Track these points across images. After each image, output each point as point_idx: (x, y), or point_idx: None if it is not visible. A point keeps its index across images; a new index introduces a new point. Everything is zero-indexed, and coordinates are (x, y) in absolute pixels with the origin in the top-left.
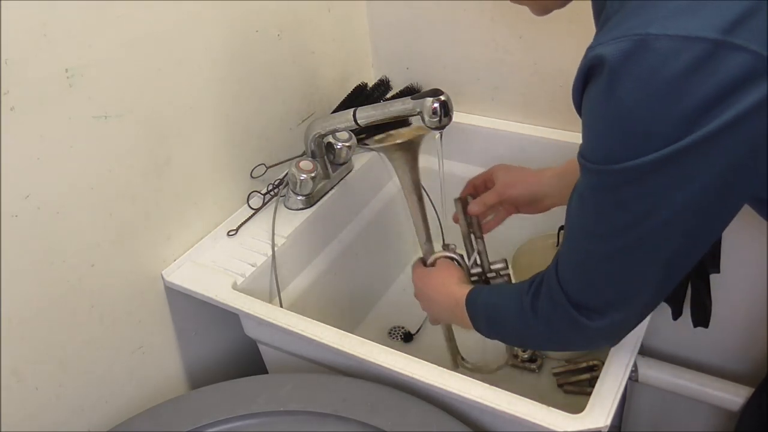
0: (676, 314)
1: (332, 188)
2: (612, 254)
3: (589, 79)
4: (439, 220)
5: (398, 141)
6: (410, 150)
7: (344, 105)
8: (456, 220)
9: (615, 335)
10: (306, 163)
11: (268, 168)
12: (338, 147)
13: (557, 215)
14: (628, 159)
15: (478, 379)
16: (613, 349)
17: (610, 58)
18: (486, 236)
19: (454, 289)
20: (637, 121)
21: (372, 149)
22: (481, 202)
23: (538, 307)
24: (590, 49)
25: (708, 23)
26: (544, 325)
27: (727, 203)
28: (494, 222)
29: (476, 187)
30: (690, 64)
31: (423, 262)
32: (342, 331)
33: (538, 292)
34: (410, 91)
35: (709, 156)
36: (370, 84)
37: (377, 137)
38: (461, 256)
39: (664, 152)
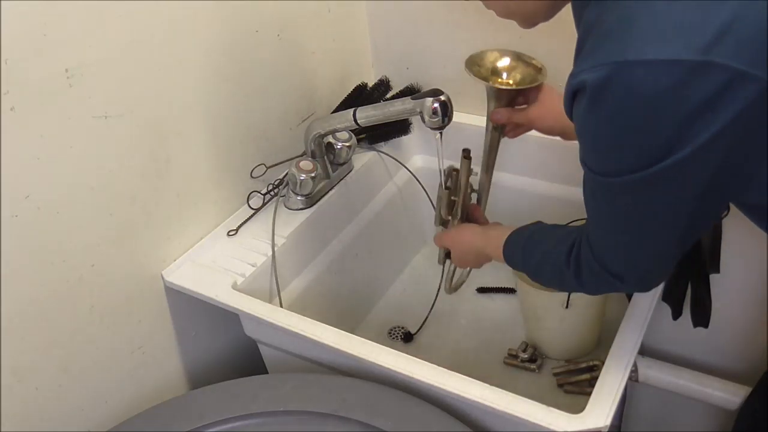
0: (676, 314)
1: (332, 188)
2: (626, 242)
3: (574, 102)
4: None
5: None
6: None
7: (344, 105)
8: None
9: (650, 288)
10: (306, 163)
11: (268, 168)
12: (338, 147)
13: (557, 215)
14: (622, 174)
15: (477, 379)
16: (613, 348)
17: (591, 86)
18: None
19: (486, 252)
20: (620, 142)
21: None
22: (507, 116)
23: (582, 281)
24: (572, 75)
25: (687, 44)
26: (591, 289)
27: (724, 187)
28: (514, 133)
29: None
30: (670, 87)
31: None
32: (342, 331)
33: (579, 269)
34: (410, 91)
35: (695, 168)
36: (370, 84)
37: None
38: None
39: (655, 169)
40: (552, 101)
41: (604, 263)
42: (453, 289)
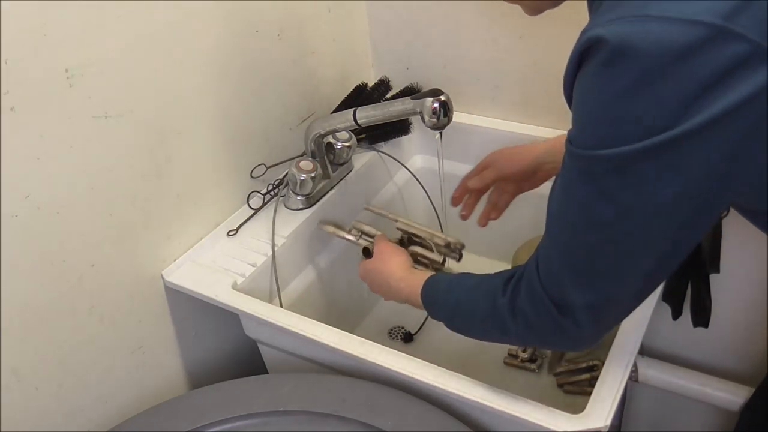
0: (676, 314)
1: (332, 188)
2: (594, 249)
3: (582, 61)
4: (439, 219)
5: None
6: None
7: (344, 105)
8: (457, 202)
9: (596, 336)
10: (306, 163)
11: (268, 168)
12: (338, 147)
13: None
14: (618, 144)
15: (477, 380)
16: (613, 349)
17: (610, 39)
18: (486, 235)
19: (400, 286)
20: (630, 106)
21: None
22: (480, 179)
23: (517, 308)
24: (585, 32)
25: (708, 8)
26: (524, 328)
27: (716, 200)
28: (499, 209)
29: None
30: (688, 48)
31: (367, 251)
32: (342, 331)
33: (516, 293)
34: (410, 91)
35: (701, 145)
36: (370, 84)
37: None
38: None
39: (655, 140)
40: (508, 148)
41: (548, 287)
42: None
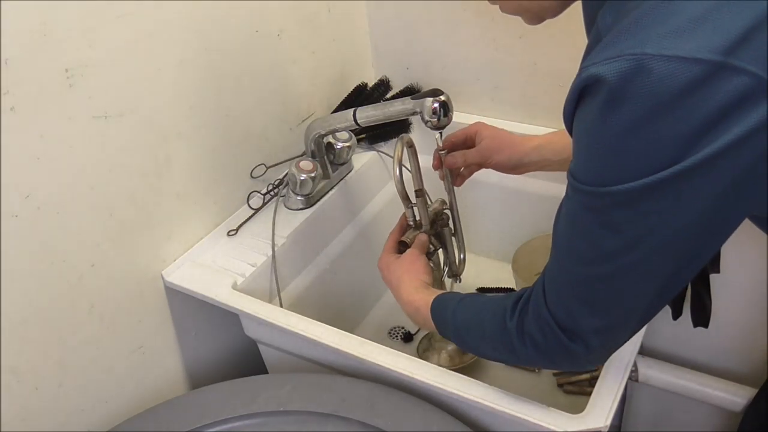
0: (676, 314)
1: (332, 188)
2: (602, 279)
3: (581, 98)
4: None
5: None
6: None
7: (344, 105)
8: (437, 167)
9: (604, 357)
10: (306, 163)
11: (268, 168)
12: (338, 147)
13: (553, 216)
14: (621, 182)
15: (477, 379)
16: None
17: (609, 79)
18: (486, 235)
19: (414, 297)
20: (632, 144)
21: None
22: (463, 158)
23: (524, 331)
24: (584, 68)
25: (707, 44)
26: (532, 350)
27: (722, 226)
28: (462, 178)
29: (455, 145)
30: (687, 87)
31: (400, 243)
32: (342, 331)
33: (524, 316)
34: (410, 91)
35: (705, 179)
36: (370, 84)
37: None
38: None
39: (659, 176)
40: (500, 133)
41: (556, 313)
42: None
